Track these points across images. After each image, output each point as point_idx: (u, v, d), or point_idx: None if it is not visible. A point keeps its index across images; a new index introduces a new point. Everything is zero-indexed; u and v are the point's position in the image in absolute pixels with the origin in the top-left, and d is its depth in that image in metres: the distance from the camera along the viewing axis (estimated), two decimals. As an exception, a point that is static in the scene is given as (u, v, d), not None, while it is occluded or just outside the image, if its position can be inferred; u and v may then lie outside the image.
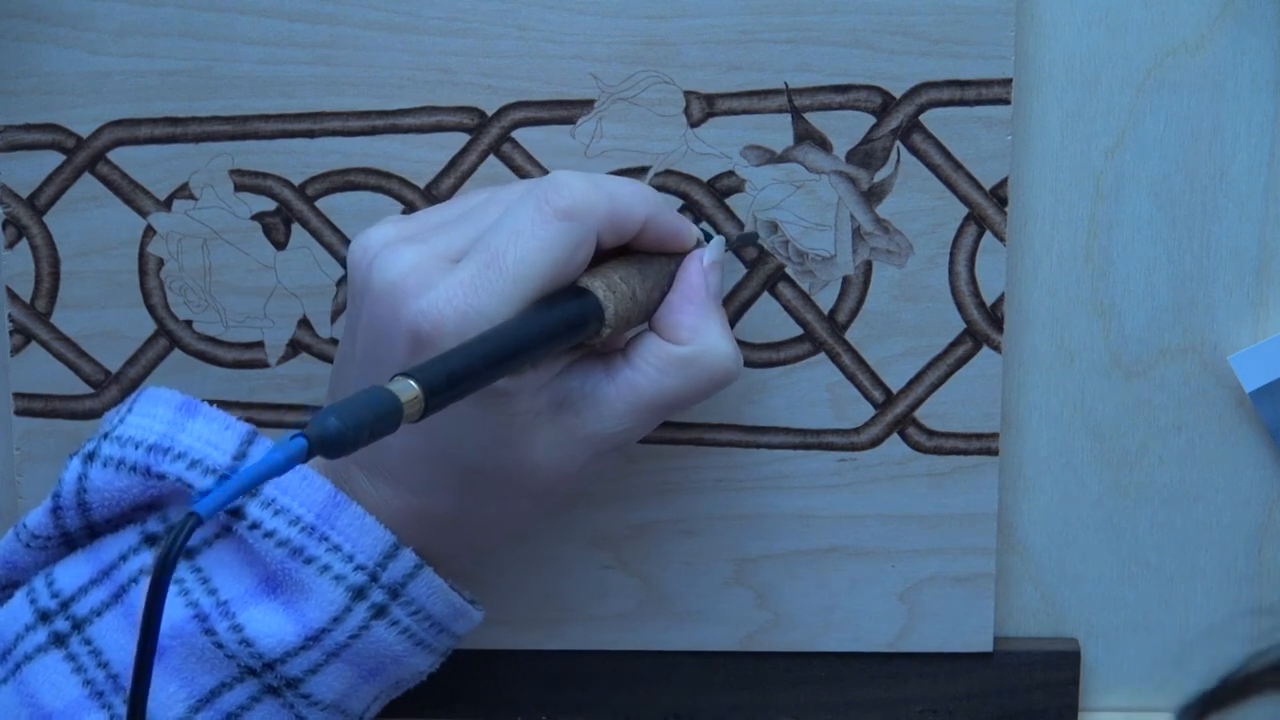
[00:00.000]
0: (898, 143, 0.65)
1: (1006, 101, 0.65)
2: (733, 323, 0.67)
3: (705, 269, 0.61)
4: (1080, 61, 0.66)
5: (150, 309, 0.67)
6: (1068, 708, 0.71)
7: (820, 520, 0.69)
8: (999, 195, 0.66)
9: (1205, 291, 0.68)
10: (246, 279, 0.67)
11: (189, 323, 0.68)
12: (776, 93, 0.65)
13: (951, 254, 0.66)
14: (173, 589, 0.58)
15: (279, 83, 0.65)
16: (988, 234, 0.66)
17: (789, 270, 0.67)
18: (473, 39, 0.64)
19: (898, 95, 0.65)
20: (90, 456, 0.61)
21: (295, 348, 0.68)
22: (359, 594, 0.59)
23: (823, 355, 0.67)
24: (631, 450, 0.67)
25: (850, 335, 0.67)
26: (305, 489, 0.59)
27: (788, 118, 0.65)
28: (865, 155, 0.65)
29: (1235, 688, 0.43)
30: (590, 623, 0.70)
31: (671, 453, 0.68)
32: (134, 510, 0.62)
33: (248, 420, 0.67)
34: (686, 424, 0.68)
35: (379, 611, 0.59)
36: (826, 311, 0.67)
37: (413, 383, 0.50)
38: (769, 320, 0.67)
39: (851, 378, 0.68)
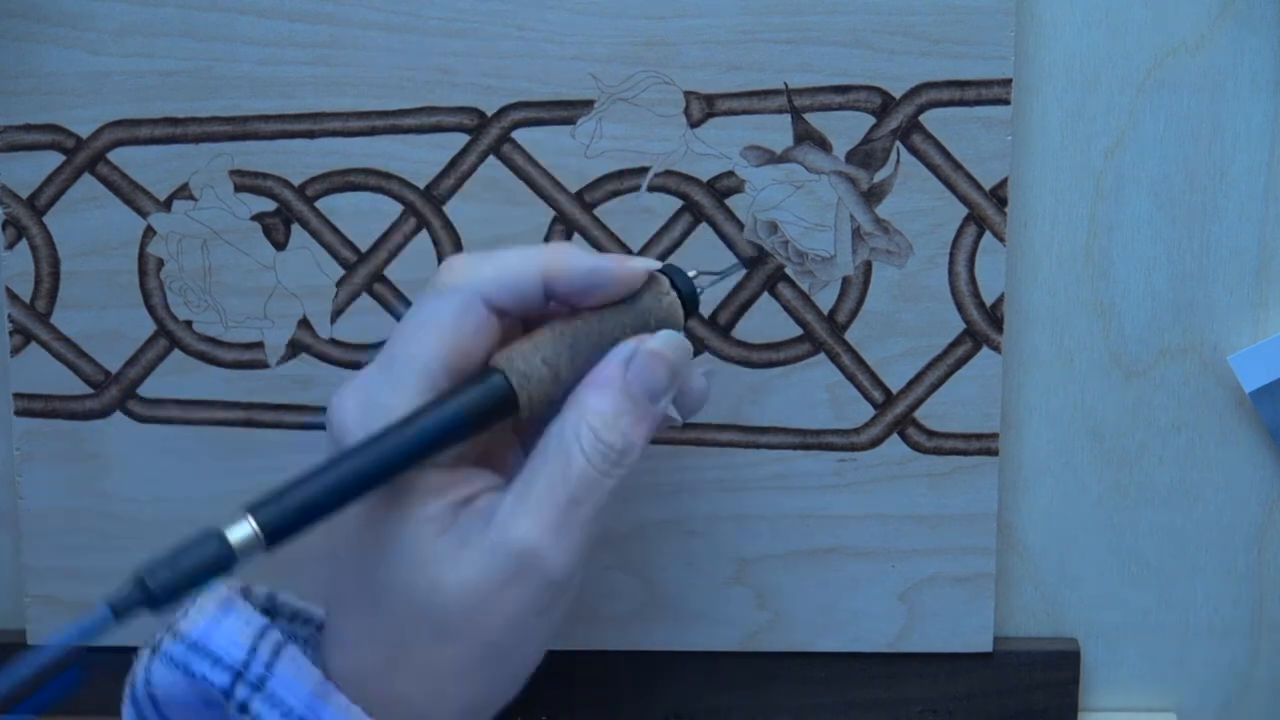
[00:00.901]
0: (897, 143, 0.65)
1: (1006, 102, 0.65)
2: (732, 323, 0.67)
3: (638, 359, 0.56)
4: (1080, 61, 0.66)
5: (150, 309, 0.67)
6: (1068, 708, 0.71)
7: (820, 520, 0.69)
8: (999, 195, 0.66)
9: (1205, 291, 0.68)
10: (246, 279, 0.67)
11: (189, 323, 0.68)
12: (776, 93, 0.65)
13: (951, 254, 0.66)
14: None
15: (279, 83, 0.65)
16: (987, 234, 0.66)
17: (789, 270, 0.67)
18: (473, 39, 0.64)
19: (897, 95, 0.65)
20: (154, 651, 0.57)
21: (295, 348, 0.68)
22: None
23: (822, 355, 0.67)
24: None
25: (850, 335, 0.67)
26: (296, 678, 0.56)
27: (788, 118, 0.65)
28: (865, 155, 0.65)
29: None
30: (591, 623, 0.70)
31: (672, 453, 0.68)
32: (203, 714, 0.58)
33: (246, 421, 0.68)
34: (687, 424, 0.67)
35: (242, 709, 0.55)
36: (826, 312, 0.67)
37: (249, 519, 0.50)
38: (769, 320, 0.67)
39: (851, 378, 0.68)
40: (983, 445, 0.68)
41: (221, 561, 0.50)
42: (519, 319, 0.57)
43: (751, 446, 0.68)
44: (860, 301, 0.67)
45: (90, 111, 0.65)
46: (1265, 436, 0.69)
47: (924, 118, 0.65)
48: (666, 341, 0.57)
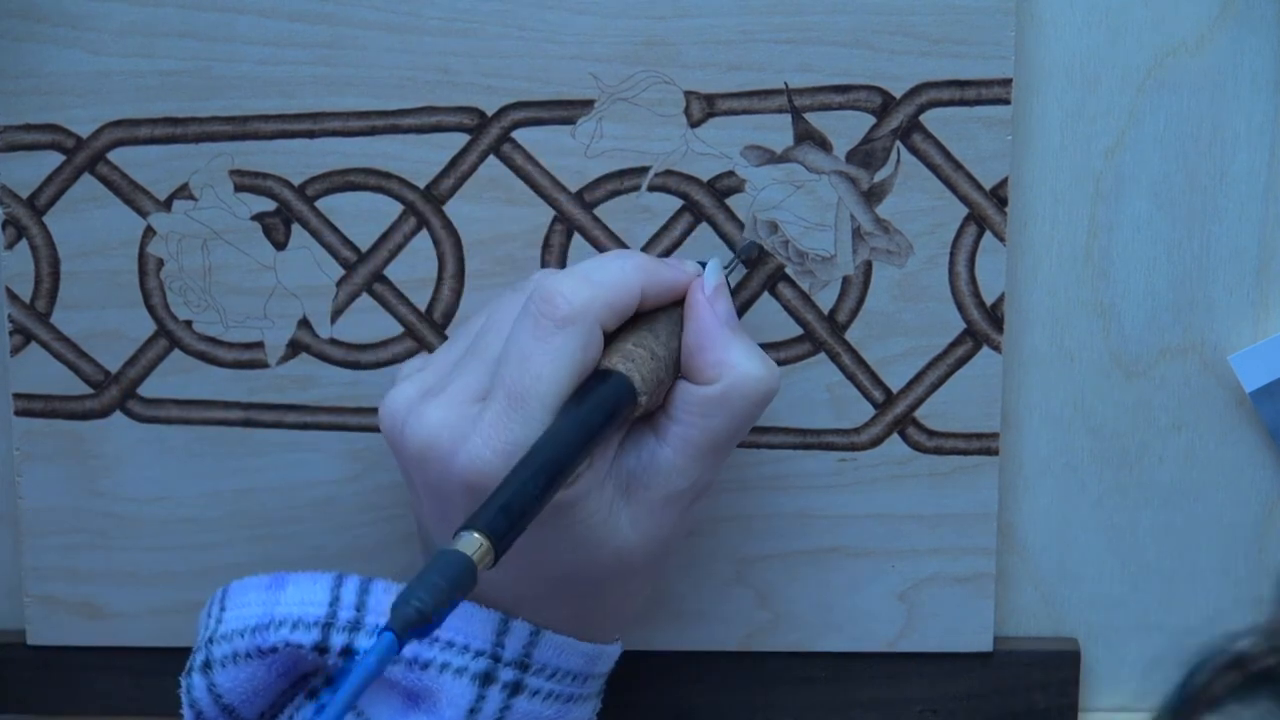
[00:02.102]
0: (898, 143, 0.65)
1: (1006, 101, 0.65)
2: (733, 323, 0.67)
3: (710, 298, 0.61)
4: (1080, 61, 0.66)
5: (150, 309, 0.67)
6: (1068, 708, 0.71)
7: (820, 520, 0.69)
8: (999, 195, 0.66)
9: (1205, 291, 0.68)
10: (246, 279, 0.67)
11: (189, 323, 0.67)
12: (776, 93, 0.65)
13: (951, 254, 0.66)
14: None
15: (279, 83, 0.65)
16: (988, 234, 0.66)
17: (789, 270, 0.67)
18: (473, 39, 0.64)
19: (898, 95, 0.65)
20: (206, 666, 0.61)
21: (295, 348, 0.68)
22: (487, 679, 0.59)
23: (823, 355, 0.67)
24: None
25: (850, 335, 0.67)
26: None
27: (788, 118, 0.65)
28: (865, 155, 0.65)
29: (1201, 697, 0.43)
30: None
31: (672, 453, 0.68)
32: (279, 696, 0.62)
33: (246, 421, 0.68)
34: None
35: (515, 688, 0.59)
36: (826, 311, 0.67)
37: (476, 534, 0.51)
38: (769, 320, 0.67)
39: (851, 378, 0.68)
40: (983, 445, 0.68)
41: (469, 573, 0.50)
42: None
43: (751, 446, 0.68)
44: (860, 301, 0.67)
45: (90, 111, 0.65)
46: (1265, 436, 0.69)
47: (924, 117, 0.65)
48: (714, 273, 0.62)
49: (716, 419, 0.59)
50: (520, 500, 0.53)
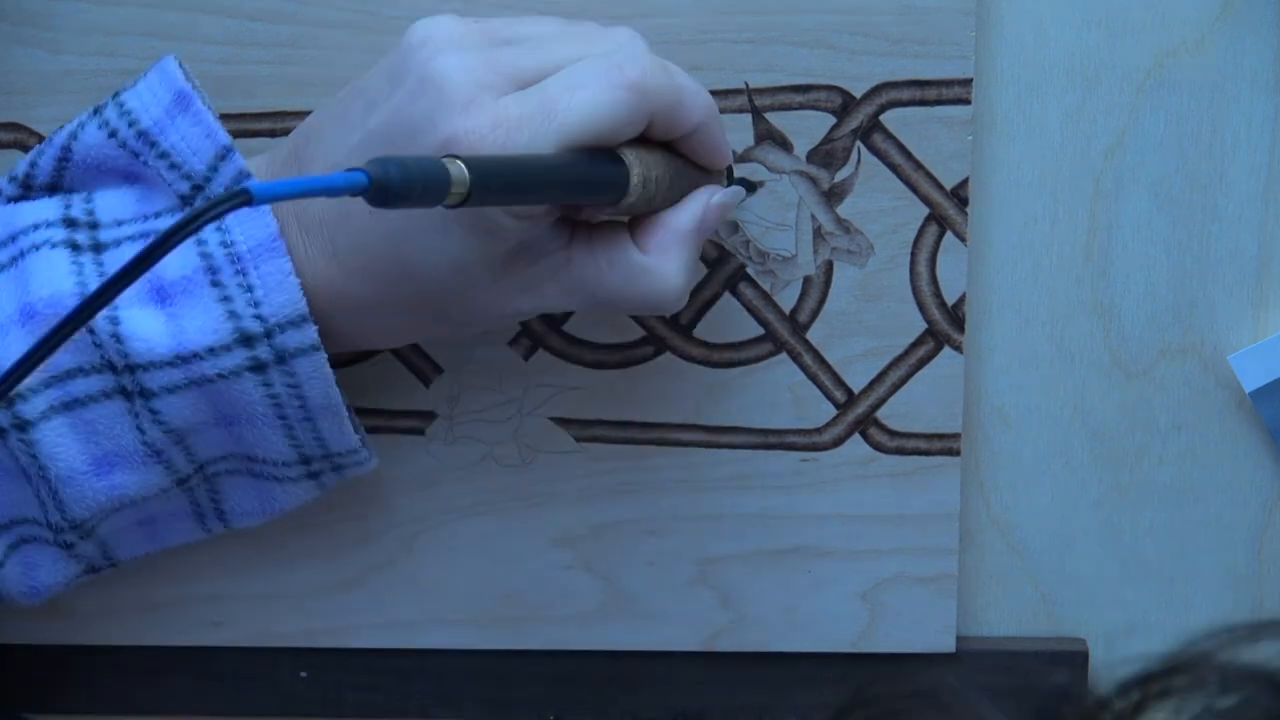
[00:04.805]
0: (858, 143, 0.65)
1: (967, 101, 0.65)
2: (693, 323, 0.67)
3: (711, 205, 0.60)
4: (1080, 61, 0.66)
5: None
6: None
7: (782, 520, 0.69)
8: (960, 195, 0.66)
9: (1205, 291, 0.68)
10: (208, 278, 0.67)
11: (151, 322, 0.67)
12: (737, 92, 0.65)
13: (913, 254, 0.66)
14: (68, 263, 0.58)
15: (241, 82, 0.65)
16: (949, 234, 0.66)
17: (750, 270, 0.67)
18: (433, 39, 0.64)
19: (858, 95, 0.65)
20: (96, 111, 0.61)
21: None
22: (246, 341, 0.58)
23: (784, 355, 0.67)
24: (592, 450, 0.68)
25: (812, 335, 0.67)
26: (251, 221, 0.58)
27: (748, 117, 0.65)
28: (826, 155, 0.65)
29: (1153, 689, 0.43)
30: (551, 623, 0.70)
31: (633, 453, 0.68)
32: (102, 174, 0.62)
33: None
34: (648, 424, 0.68)
35: (258, 366, 0.58)
36: (788, 311, 0.67)
37: (464, 168, 0.50)
38: (730, 320, 0.67)
39: (813, 378, 0.68)
40: (945, 445, 0.68)
41: (440, 190, 0.50)
42: None
43: (713, 446, 0.68)
44: (822, 301, 0.67)
45: (52, 110, 0.65)
46: (1265, 436, 0.69)
47: (884, 117, 0.65)
48: (734, 195, 0.62)
49: (612, 278, 0.59)
50: (509, 177, 0.53)
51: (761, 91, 0.65)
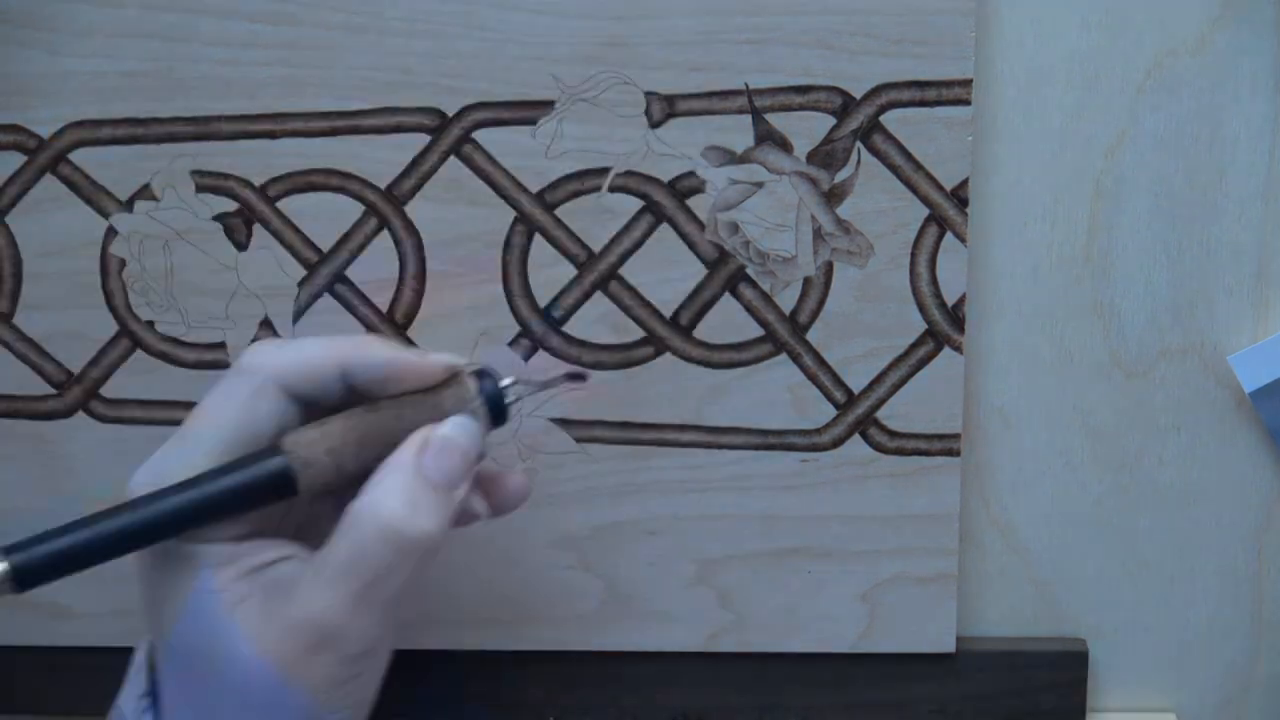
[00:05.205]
0: (858, 143, 0.65)
1: (967, 102, 0.65)
2: (694, 323, 0.67)
3: (431, 445, 0.56)
4: (1080, 61, 0.66)
5: (112, 310, 0.67)
6: (1075, 708, 0.71)
7: (782, 521, 0.69)
8: (960, 196, 0.66)
9: (1205, 291, 0.68)
10: (208, 280, 0.67)
11: (151, 323, 0.68)
12: (737, 93, 0.65)
13: (912, 255, 0.66)
14: None
15: (240, 84, 0.65)
16: (949, 234, 0.66)
17: (750, 271, 0.67)
18: (433, 40, 0.64)
19: (858, 96, 0.65)
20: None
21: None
22: None
23: (784, 356, 0.67)
24: (592, 450, 0.68)
25: (811, 336, 0.67)
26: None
27: (748, 118, 0.65)
28: (826, 156, 0.65)
29: None
30: (551, 624, 0.70)
31: (633, 454, 0.68)
32: None
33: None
34: (648, 424, 0.68)
35: None
36: (788, 312, 0.67)
37: (5, 562, 0.52)
38: (730, 321, 0.67)
39: (813, 378, 0.68)
40: (945, 446, 0.68)
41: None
42: (320, 405, 0.58)
43: (713, 447, 0.68)
44: (821, 302, 0.67)
45: (52, 111, 0.65)
46: (1265, 436, 0.69)
47: (884, 118, 0.65)
48: (458, 428, 0.57)
49: (344, 539, 0.54)
50: (64, 544, 0.54)
51: (761, 92, 0.65)
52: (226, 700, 0.55)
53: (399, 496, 0.55)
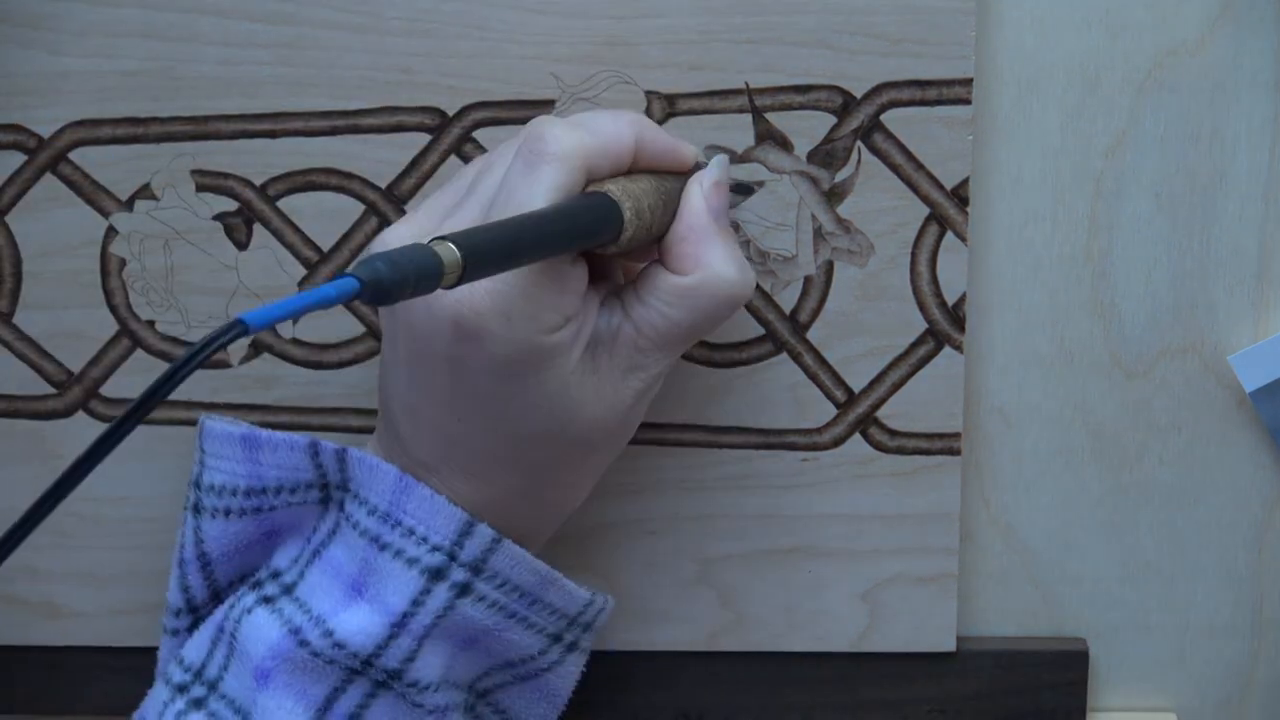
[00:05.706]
0: (858, 143, 0.65)
1: (967, 101, 0.65)
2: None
3: (706, 191, 0.61)
4: (1080, 61, 0.66)
5: (112, 309, 0.67)
6: (1076, 708, 0.71)
7: (783, 520, 0.69)
8: (960, 195, 0.66)
9: (1205, 291, 0.68)
10: (208, 279, 0.67)
11: (151, 323, 0.68)
12: (737, 93, 0.65)
13: (913, 254, 0.66)
14: (268, 614, 0.60)
15: (240, 83, 0.65)
16: (949, 234, 0.66)
17: (750, 270, 0.67)
18: (433, 39, 0.64)
19: (858, 95, 0.65)
20: (197, 510, 0.63)
21: (257, 348, 0.68)
22: (437, 575, 0.59)
23: (785, 355, 0.67)
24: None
25: (812, 335, 0.67)
26: (373, 477, 0.60)
27: (748, 118, 0.65)
28: (826, 155, 0.65)
29: None
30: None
31: (633, 453, 0.68)
32: (254, 559, 0.64)
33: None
34: (648, 424, 0.67)
35: (462, 590, 0.60)
36: (788, 311, 0.67)
37: (453, 246, 0.50)
38: (730, 320, 0.67)
39: (813, 378, 0.68)
40: (945, 445, 0.68)
41: (435, 274, 0.49)
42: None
43: (713, 446, 0.68)
44: (822, 301, 0.67)
45: (51, 111, 0.65)
46: (1265, 436, 0.69)
47: (885, 117, 0.65)
48: (719, 166, 0.62)
49: (680, 311, 0.59)
50: (499, 242, 0.52)
51: (761, 91, 0.65)
52: (561, 468, 0.61)
53: (731, 265, 0.60)
